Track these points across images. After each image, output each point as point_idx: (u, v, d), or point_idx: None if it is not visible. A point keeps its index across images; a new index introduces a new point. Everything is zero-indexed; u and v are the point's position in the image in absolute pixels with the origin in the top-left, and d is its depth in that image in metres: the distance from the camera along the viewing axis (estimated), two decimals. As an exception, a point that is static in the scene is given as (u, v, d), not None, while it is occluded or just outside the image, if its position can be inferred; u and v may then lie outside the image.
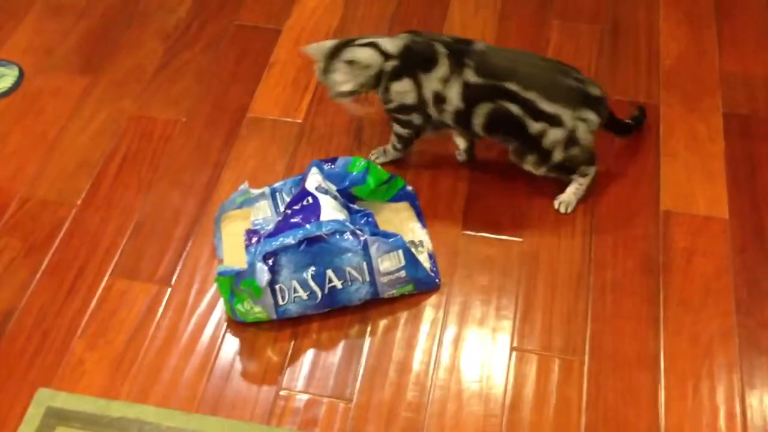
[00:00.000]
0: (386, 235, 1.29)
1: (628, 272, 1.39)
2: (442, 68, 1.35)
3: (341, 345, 1.30)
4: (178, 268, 1.41)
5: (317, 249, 1.24)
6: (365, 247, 1.26)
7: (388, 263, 1.28)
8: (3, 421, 1.21)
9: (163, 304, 1.36)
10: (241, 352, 1.30)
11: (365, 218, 1.33)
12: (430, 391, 1.26)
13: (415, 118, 1.41)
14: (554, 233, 1.45)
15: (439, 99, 1.36)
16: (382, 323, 1.33)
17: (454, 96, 1.36)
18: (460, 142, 1.51)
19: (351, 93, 1.35)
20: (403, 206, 1.43)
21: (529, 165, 1.43)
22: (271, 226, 1.32)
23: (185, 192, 1.52)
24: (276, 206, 1.37)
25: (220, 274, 1.27)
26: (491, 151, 1.57)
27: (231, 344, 1.31)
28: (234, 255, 1.35)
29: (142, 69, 1.75)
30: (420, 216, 1.43)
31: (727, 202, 1.48)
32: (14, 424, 1.20)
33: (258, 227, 1.36)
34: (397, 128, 1.46)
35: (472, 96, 1.35)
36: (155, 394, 1.24)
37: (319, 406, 1.24)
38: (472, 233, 1.45)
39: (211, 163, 1.57)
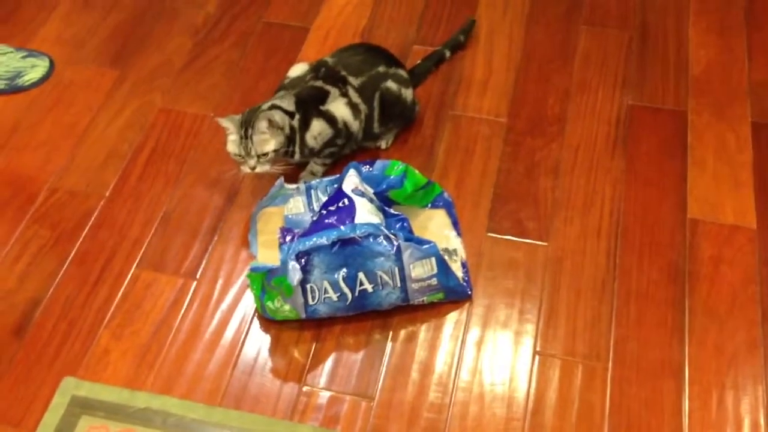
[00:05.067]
0: (420, 242, 1.29)
1: (654, 280, 1.38)
2: (333, 92, 1.48)
3: (364, 345, 1.30)
4: (204, 261, 1.41)
5: (350, 251, 1.25)
6: (398, 252, 1.26)
7: (420, 270, 1.28)
8: (28, 408, 1.23)
9: (189, 297, 1.36)
10: (265, 348, 1.30)
11: (400, 223, 1.34)
12: (452, 393, 1.26)
13: (339, 141, 1.50)
14: (579, 238, 1.45)
15: (355, 109, 1.49)
16: (405, 323, 1.33)
17: (359, 101, 1.50)
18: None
19: (275, 152, 1.42)
20: (440, 213, 1.43)
21: (392, 135, 1.58)
22: (306, 220, 1.32)
23: (212, 186, 1.53)
24: (310, 203, 1.38)
25: (253, 269, 1.27)
26: (517, 157, 1.57)
27: (255, 340, 1.31)
28: (268, 252, 1.36)
29: (171, 63, 1.76)
30: (456, 224, 1.43)
31: (755, 211, 1.47)
32: (39, 412, 1.22)
33: (290, 223, 1.36)
34: (322, 163, 1.52)
35: (366, 94, 1.50)
36: (179, 386, 1.25)
37: (342, 403, 1.24)
38: (497, 236, 1.45)
39: (238, 158, 1.57)
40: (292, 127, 1.44)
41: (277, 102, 1.45)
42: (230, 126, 1.42)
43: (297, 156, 1.47)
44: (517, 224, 1.47)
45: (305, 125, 1.45)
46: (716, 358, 1.29)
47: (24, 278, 1.39)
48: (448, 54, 1.73)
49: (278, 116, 1.41)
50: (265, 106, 1.44)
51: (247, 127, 1.40)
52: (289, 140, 1.43)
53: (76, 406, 1.21)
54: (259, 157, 1.41)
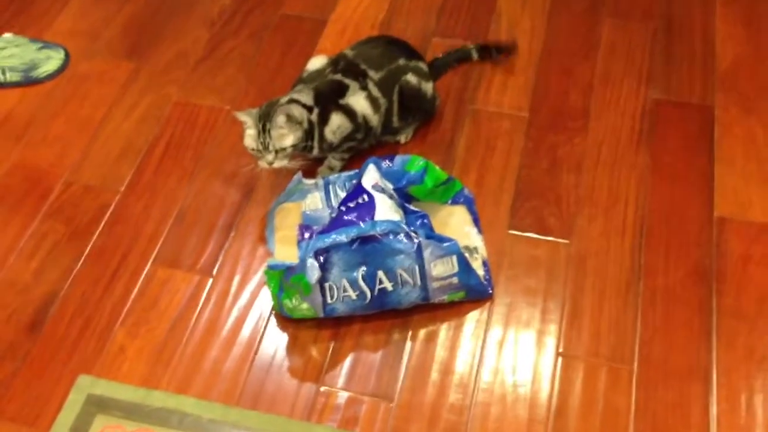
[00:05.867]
0: (441, 239, 1.26)
1: (680, 280, 1.35)
2: (353, 85, 1.45)
3: (383, 344, 1.28)
4: (220, 258, 1.39)
5: (370, 249, 1.22)
6: (419, 249, 1.23)
7: (441, 268, 1.25)
8: (44, 406, 1.21)
9: (205, 294, 1.34)
10: (282, 346, 1.28)
11: (420, 220, 1.31)
12: (473, 394, 1.23)
13: (358, 135, 1.47)
14: (603, 236, 1.41)
15: (375, 103, 1.46)
16: (425, 322, 1.30)
17: (379, 95, 1.46)
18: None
19: (293, 147, 1.40)
20: (460, 210, 1.40)
21: (411, 129, 1.55)
22: (324, 216, 1.30)
23: (228, 181, 1.51)
24: (328, 199, 1.35)
25: (270, 267, 1.25)
26: (539, 152, 1.54)
27: (272, 338, 1.29)
28: (285, 248, 1.34)
29: (186, 56, 1.73)
30: (477, 221, 1.40)
31: (785, 210, 1.44)
32: (55, 410, 1.20)
33: (308, 220, 1.33)
34: (340, 157, 1.49)
35: (385, 88, 1.47)
36: (196, 385, 1.23)
37: (360, 404, 1.22)
38: (519, 233, 1.42)
39: (255, 153, 1.55)
40: (310, 122, 1.41)
41: (296, 96, 1.43)
42: (248, 120, 1.39)
43: (315, 151, 1.44)
44: (539, 221, 1.44)
45: (324, 119, 1.43)
46: (745, 361, 1.25)
47: (39, 274, 1.37)
48: (475, 56, 1.67)
49: (297, 111, 1.39)
50: (284, 100, 1.41)
51: (265, 121, 1.38)
52: (308, 135, 1.41)
53: (92, 404, 1.19)
54: (277, 152, 1.38)
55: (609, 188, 1.48)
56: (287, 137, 1.38)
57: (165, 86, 1.67)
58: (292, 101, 1.41)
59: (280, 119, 1.37)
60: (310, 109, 1.41)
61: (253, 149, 1.40)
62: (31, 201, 1.48)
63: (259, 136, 1.38)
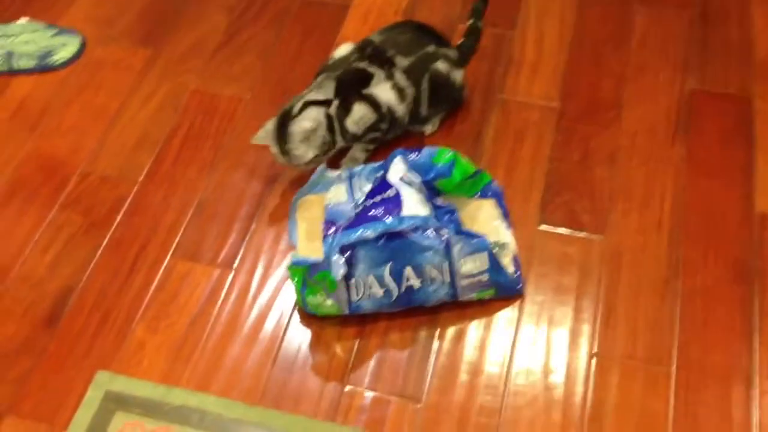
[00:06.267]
0: (470, 236, 1.21)
1: (720, 278, 1.29)
2: (378, 74, 1.40)
3: (410, 343, 1.23)
4: (241, 251, 1.35)
5: (397, 245, 1.17)
6: (448, 246, 1.18)
7: (471, 265, 1.20)
8: (62, 403, 1.17)
9: (225, 288, 1.30)
10: (305, 343, 1.24)
11: (449, 215, 1.26)
12: (504, 396, 1.18)
13: (383, 125, 1.42)
14: (639, 232, 1.36)
15: (401, 93, 1.40)
16: (453, 321, 1.26)
17: (407, 84, 1.41)
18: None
19: (316, 157, 1.36)
20: (489, 204, 1.35)
21: (438, 119, 1.50)
22: (348, 210, 1.25)
23: (249, 172, 1.46)
24: (352, 192, 1.30)
25: (294, 263, 1.20)
26: (570, 144, 1.48)
27: (295, 335, 1.25)
28: (308, 242, 1.29)
29: (204, 43, 1.69)
30: (506, 215, 1.34)
31: (830, 206, 1.38)
32: (73, 407, 1.17)
33: (332, 214, 1.28)
34: (364, 148, 1.44)
35: (414, 76, 1.42)
36: (216, 382, 1.19)
37: (387, 405, 1.17)
38: (550, 229, 1.37)
39: (277, 143, 1.50)
40: (329, 116, 1.36)
41: (311, 95, 1.37)
42: (266, 140, 1.37)
43: (339, 143, 1.39)
44: (570, 216, 1.38)
45: (345, 110, 1.38)
46: (789, 364, 1.20)
47: (55, 266, 1.34)
48: (480, 24, 1.56)
49: (309, 122, 1.34)
50: (296, 106, 1.36)
51: (281, 142, 1.34)
52: (329, 130, 1.36)
53: (111, 401, 1.15)
54: (306, 164, 1.36)
55: (644, 182, 1.43)
56: (308, 151, 1.35)
57: (182, 74, 1.63)
58: (305, 105, 1.36)
59: (296, 138, 1.33)
60: (327, 103, 1.36)
61: (281, 164, 1.38)
62: (46, 192, 1.44)
63: (282, 155, 1.36)
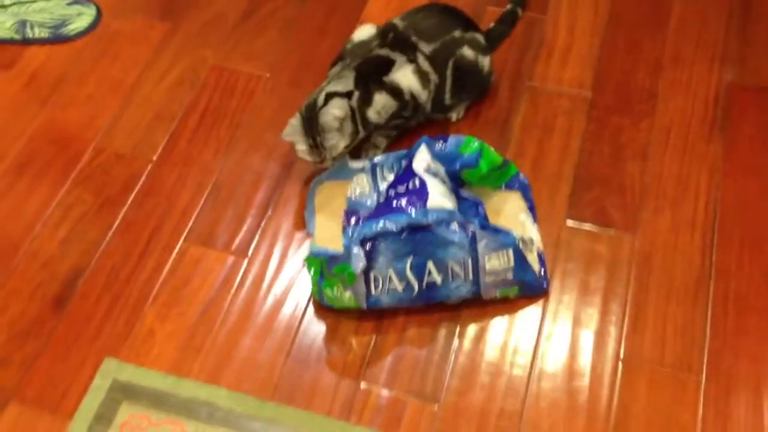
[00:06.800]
0: (497, 231, 1.16)
1: (755, 283, 1.24)
2: (400, 59, 1.34)
3: (429, 341, 1.19)
4: (256, 238, 1.30)
5: (420, 238, 1.12)
6: (473, 241, 1.13)
7: (496, 262, 1.15)
8: (67, 390, 1.14)
9: (239, 276, 1.26)
10: (320, 337, 1.19)
11: (475, 208, 1.20)
12: (525, 399, 1.14)
13: (406, 113, 1.37)
14: (671, 231, 1.30)
15: (424, 78, 1.35)
16: (475, 319, 1.21)
17: (430, 70, 1.36)
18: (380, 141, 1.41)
19: (347, 147, 1.31)
20: (515, 196, 1.30)
21: (463, 106, 1.44)
22: (371, 200, 1.20)
23: (267, 154, 1.41)
24: (375, 182, 1.25)
25: (313, 254, 1.16)
26: (601, 136, 1.42)
27: (310, 327, 1.20)
28: (326, 231, 1.24)
29: (224, 17, 1.63)
30: (532, 209, 1.29)
31: None
32: (79, 394, 1.13)
33: (354, 205, 1.23)
34: (386, 134, 1.39)
35: (438, 62, 1.37)
36: (228, 375, 1.15)
37: (404, 405, 1.13)
38: (577, 225, 1.32)
39: (296, 125, 1.45)
40: (351, 108, 1.30)
41: (332, 87, 1.31)
42: (294, 136, 1.31)
43: (362, 133, 1.34)
44: (600, 212, 1.33)
45: (366, 101, 1.31)
46: (825, 377, 1.15)
47: (66, 246, 1.30)
48: (519, 12, 1.53)
49: (338, 110, 1.28)
50: (321, 98, 1.30)
51: (313, 135, 1.28)
52: (352, 121, 1.30)
53: (118, 391, 1.12)
54: (334, 158, 1.31)
55: (678, 179, 1.36)
56: (341, 141, 1.29)
57: (201, 49, 1.57)
58: (328, 96, 1.29)
59: (328, 127, 1.27)
60: (349, 95, 1.30)
61: (309, 160, 1.33)
62: (58, 167, 1.40)
63: (312, 151, 1.30)
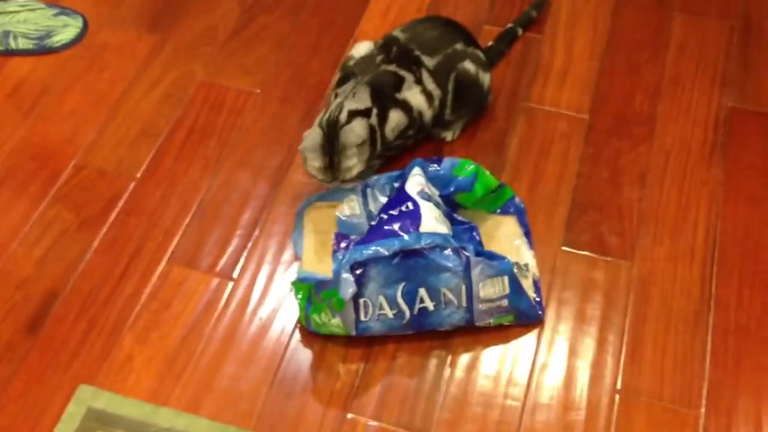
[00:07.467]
0: (492, 257, 1.12)
1: (756, 315, 1.20)
2: (408, 78, 1.31)
3: (419, 370, 1.14)
4: (242, 260, 1.26)
5: (412, 264, 1.08)
6: (467, 267, 1.09)
7: (491, 289, 1.11)
8: (40, 416, 1.09)
9: (224, 300, 1.21)
10: (306, 365, 1.15)
11: (469, 233, 1.16)
12: (519, 431, 1.10)
13: (411, 131, 1.33)
14: (669, 260, 1.26)
15: (429, 97, 1.32)
16: (467, 348, 1.17)
17: (433, 87, 1.33)
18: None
19: (359, 173, 1.24)
20: (510, 221, 1.26)
21: (460, 125, 1.41)
22: (362, 223, 1.16)
23: (255, 173, 1.37)
24: (365, 204, 1.21)
25: (300, 279, 1.11)
26: (599, 160, 1.38)
27: (296, 354, 1.16)
28: (314, 254, 1.20)
29: (215, 31, 1.59)
30: (527, 234, 1.25)
31: None
32: (51, 423, 1.08)
33: (344, 227, 1.19)
34: (382, 155, 1.34)
35: (440, 76, 1.34)
36: (208, 404, 1.10)
37: (392, 437, 1.09)
38: (574, 251, 1.28)
39: (286, 143, 1.41)
40: (371, 127, 1.25)
41: (351, 103, 1.25)
42: (312, 154, 1.22)
43: (378, 152, 1.28)
44: (597, 238, 1.29)
45: (383, 119, 1.27)
46: (829, 414, 1.11)
47: (42, 266, 1.25)
48: (520, 32, 1.54)
49: (361, 129, 1.22)
50: (343, 116, 1.23)
51: (331, 154, 1.21)
52: (371, 143, 1.25)
53: (92, 419, 1.07)
54: (344, 181, 1.24)
55: (677, 205, 1.33)
56: (357, 164, 1.22)
57: (190, 63, 1.53)
58: (351, 115, 1.23)
59: (350, 148, 1.20)
60: (368, 113, 1.25)
61: (318, 179, 1.25)
62: (37, 183, 1.35)
63: (326, 170, 1.22)
